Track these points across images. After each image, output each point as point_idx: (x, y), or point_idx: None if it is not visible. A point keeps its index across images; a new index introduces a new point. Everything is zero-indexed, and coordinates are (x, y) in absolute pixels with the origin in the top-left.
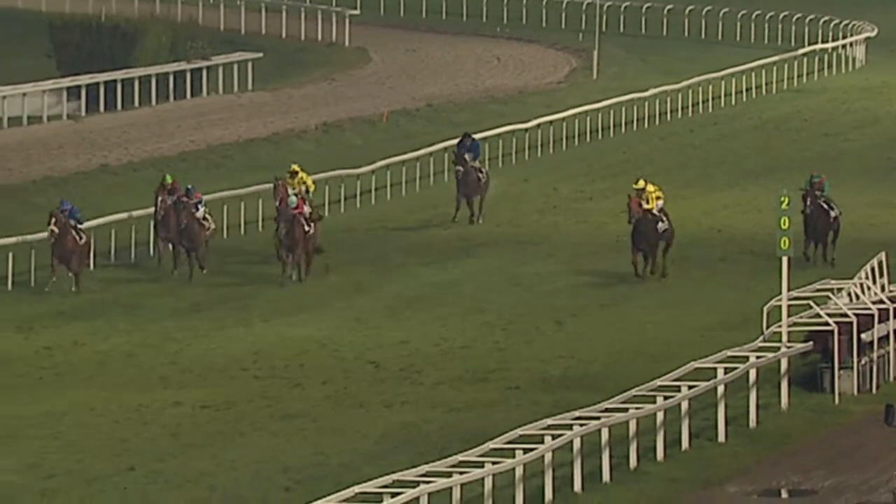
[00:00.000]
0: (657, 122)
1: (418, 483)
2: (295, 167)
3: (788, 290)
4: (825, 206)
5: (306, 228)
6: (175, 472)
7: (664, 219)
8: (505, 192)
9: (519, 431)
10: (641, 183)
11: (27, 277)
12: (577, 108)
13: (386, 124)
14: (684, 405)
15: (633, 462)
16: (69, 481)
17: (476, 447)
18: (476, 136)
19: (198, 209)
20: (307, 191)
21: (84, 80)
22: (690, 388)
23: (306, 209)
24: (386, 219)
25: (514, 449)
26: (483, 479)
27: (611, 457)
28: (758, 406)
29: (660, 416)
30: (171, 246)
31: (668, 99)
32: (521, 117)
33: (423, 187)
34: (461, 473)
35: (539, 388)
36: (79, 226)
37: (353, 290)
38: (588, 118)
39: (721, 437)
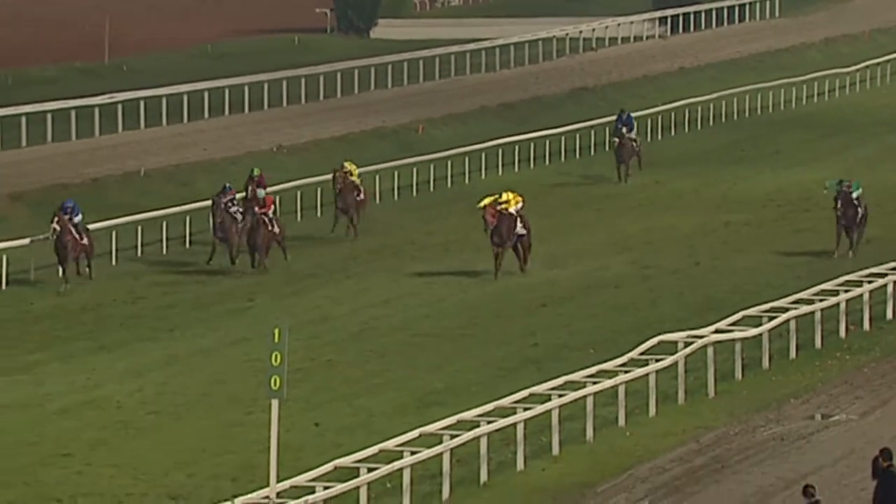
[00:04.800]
0: None
1: None
2: (346, 164)
3: None
4: (855, 203)
5: (269, 227)
6: (724, 266)
7: (523, 222)
8: None
9: None
10: (506, 196)
11: (572, 158)
12: None
13: (867, 41)
14: None
15: None
16: (657, 272)
17: None
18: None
19: (231, 206)
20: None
21: (670, 12)
22: None
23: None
24: (866, 102)
25: None
26: None
27: None
28: None
29: None
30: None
31: None
32: None
33: (892, 82)
34: None
35: None
36: (78, 225)
37: (840, 150)
38: None
39: None
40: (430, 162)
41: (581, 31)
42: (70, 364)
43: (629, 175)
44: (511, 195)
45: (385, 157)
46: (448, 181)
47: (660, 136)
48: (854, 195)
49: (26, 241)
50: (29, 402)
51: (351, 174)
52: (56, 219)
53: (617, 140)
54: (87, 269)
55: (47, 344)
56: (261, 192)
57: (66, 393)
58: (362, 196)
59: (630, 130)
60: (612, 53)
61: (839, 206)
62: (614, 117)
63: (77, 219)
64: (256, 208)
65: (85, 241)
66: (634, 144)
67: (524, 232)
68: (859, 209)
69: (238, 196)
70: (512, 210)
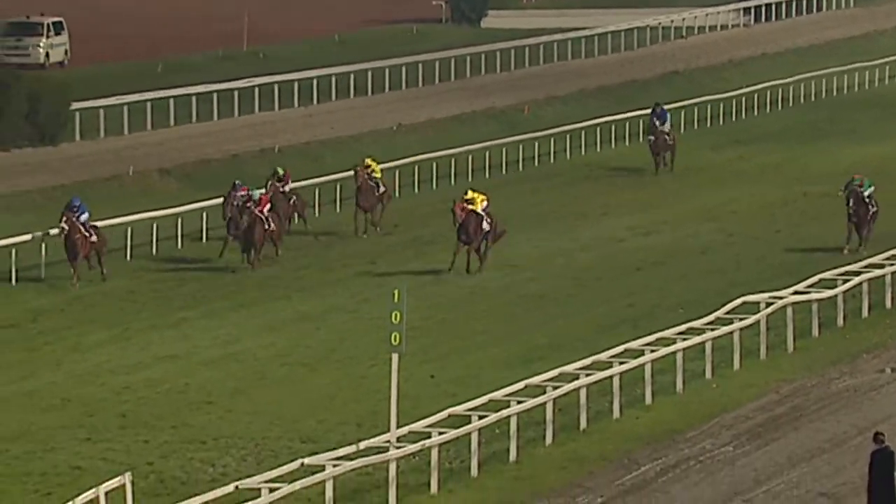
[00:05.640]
0: None
1: None
2: (367, 160)
3: None
4: (866, 201)
5: (266, 226)
6: (802, 233)
7: (489, 220)
8: None
9: None
10: (471, 194)
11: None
12: None
13: None
14: None
15: None
16: (741, 239)
17: None
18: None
19: (247, 200)
20: (370, 175)
21: (753, 2)
22: None
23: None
24: None
25: None
26: None
27: None
28: None
29: None
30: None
31: None
32: None
33: None
34: None
35: None
36: (85, 223)
37: None
38: None
39: None
40: (534, 140)
41: (672, 21)
42: (213, 321)
43: (665, 166)
44: (476, 194)
45: (494, 135)
46: (551, 157)
47: (744, 116)
48: (865, 193)
49: (34, 234)
50: (177, 354)
51: (372, 171)
52: (64, 218)
53: (652, 138)
54: (98, 266)
55: (193, 303)
56: (255, 192)
57: (210, 346)
58: (382, 189)
59: (663, 124)
60: (700, 41)
61: (851, 204)
62: (649, 110)
63: (84, 217)
64: (253, 206)
65: (94, 238)
66: (668, 137)
67: (489, 229)
68: (870, 207)
69: (258, 191)
70: (478, 209)
